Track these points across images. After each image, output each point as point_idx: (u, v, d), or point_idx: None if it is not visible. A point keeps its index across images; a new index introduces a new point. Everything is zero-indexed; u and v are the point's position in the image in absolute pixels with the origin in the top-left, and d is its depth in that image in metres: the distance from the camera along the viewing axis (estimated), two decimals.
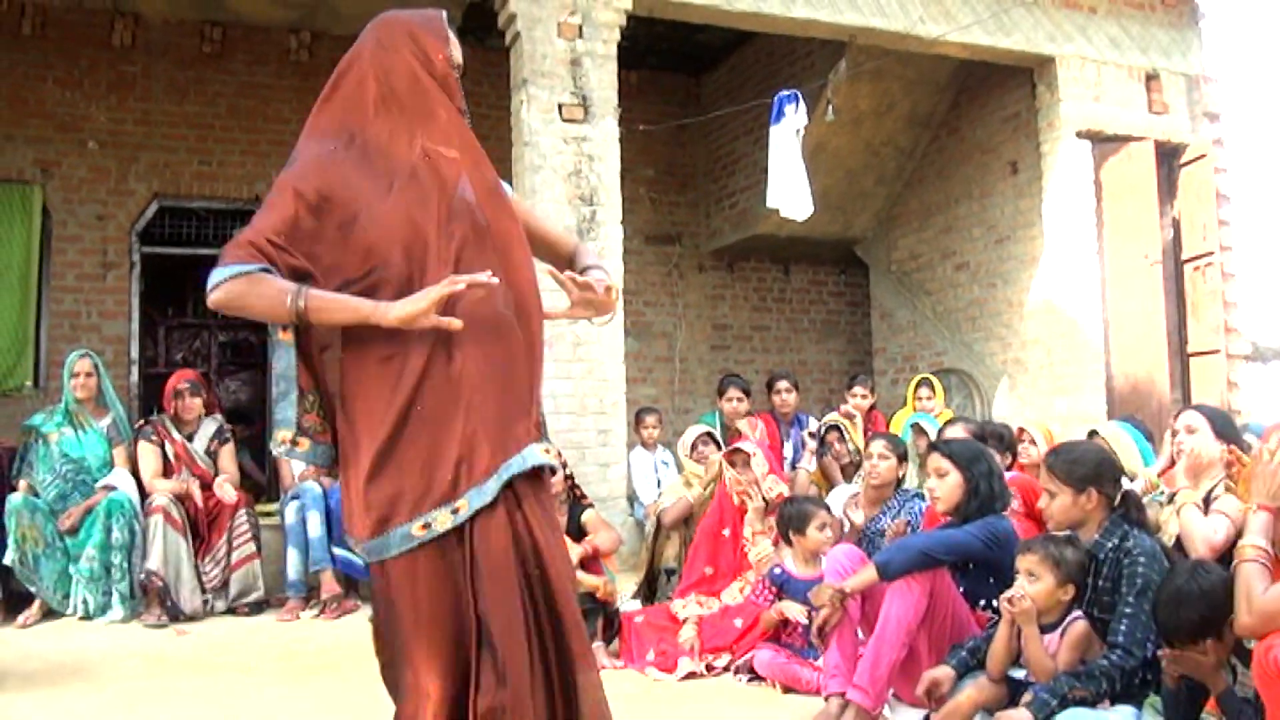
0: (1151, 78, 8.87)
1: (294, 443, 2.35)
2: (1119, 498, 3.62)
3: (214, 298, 2.24)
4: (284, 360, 2.33)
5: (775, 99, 8.04)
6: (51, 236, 8.97)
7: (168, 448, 6.38)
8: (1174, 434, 4.38)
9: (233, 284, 2.22)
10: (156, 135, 9.31)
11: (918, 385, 7.63)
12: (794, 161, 7.84)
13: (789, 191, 7.81)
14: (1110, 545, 3.51)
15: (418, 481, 2.25)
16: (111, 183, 9.16)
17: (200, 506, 6.22)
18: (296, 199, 2.29)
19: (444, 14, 2.49)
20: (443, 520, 2.23)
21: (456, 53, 2.48)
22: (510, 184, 8.45)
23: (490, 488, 2.25)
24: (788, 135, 7.81)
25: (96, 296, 9.10)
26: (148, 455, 6.33)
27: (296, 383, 2.34)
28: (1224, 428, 4.18)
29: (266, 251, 2.25)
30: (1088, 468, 3.61)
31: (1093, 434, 5.44)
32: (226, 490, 6.26)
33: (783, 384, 7.64)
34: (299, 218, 2.29)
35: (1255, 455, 3.14)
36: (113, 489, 6.10)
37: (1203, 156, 8.89)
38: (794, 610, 4.61)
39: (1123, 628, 3.33)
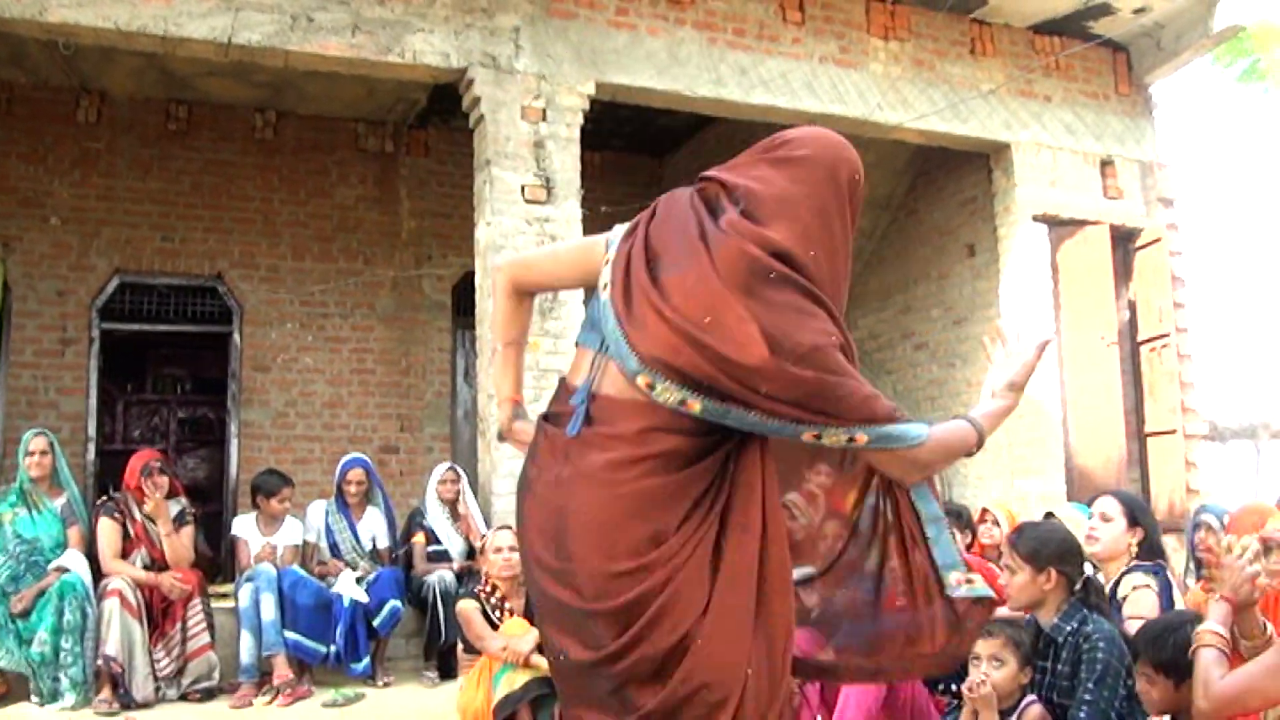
0: (1106, 164, 9.05)
1: (968, 581, 2.39)
2: (1080, 582, 3.64)
3: (929, 457, 2.16)
4: (935, 504, 2.40)
5: None
6: (11, 311, 8.89)
7: (128, 526, 6.25)
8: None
9: (935, 445, 2.15)
10: (119, 211, 9.29)
11: None
12: None
13: None
14: (1069, 629, 3.51)
15: None
16: (73, 258, 9.12)
17: (155, 593, 6.06)
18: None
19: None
20: (979, 584, 2.38)
21: None
22: (474, 264, 8.23)
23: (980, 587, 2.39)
24: None
25: (55, 373, 9.00)
26: (108, 532, 6.14)
27: (946, 525, 2.41)
28: (1140, 514, 4.36)
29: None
30: (1050, 548, 3.62)
31: (1049, 515, 5.46)
32: (175, 588, 6.08)
33: None
34: None
35: (1225, 547, 3.16)
36: (65, 571, 5.97)
37: (1157, 240, 9.05)
38: None
39: (1082, 715, 3.32)
